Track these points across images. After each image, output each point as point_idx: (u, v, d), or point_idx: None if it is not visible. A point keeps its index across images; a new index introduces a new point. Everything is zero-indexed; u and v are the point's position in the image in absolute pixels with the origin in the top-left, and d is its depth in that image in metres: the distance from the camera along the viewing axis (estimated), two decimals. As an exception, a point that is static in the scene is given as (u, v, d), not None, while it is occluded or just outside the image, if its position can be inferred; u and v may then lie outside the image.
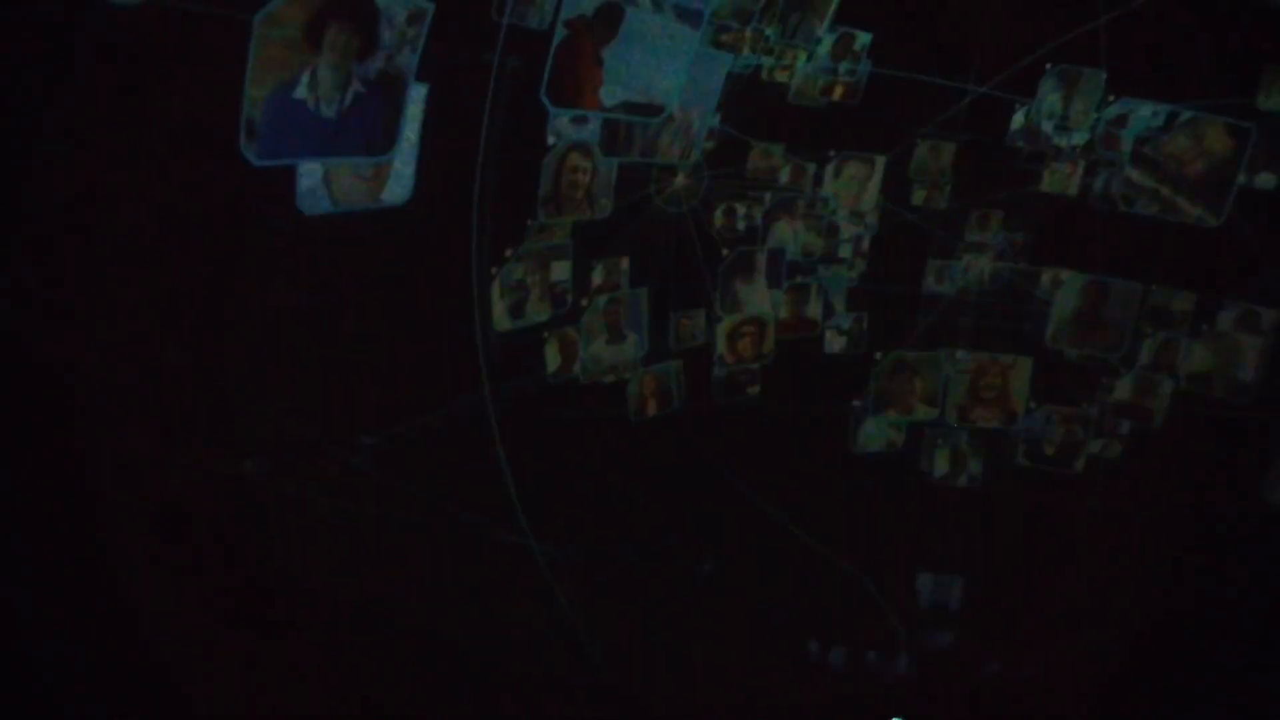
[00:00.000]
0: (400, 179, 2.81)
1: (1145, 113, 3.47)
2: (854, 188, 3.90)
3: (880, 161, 3.86)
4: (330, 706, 3.31)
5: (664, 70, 3.20)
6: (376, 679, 3.41)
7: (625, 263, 3.61)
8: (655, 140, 3.41)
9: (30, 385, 2.56)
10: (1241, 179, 3.44)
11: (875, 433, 4.15)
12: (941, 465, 4.17)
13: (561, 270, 3.42)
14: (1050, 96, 3.58)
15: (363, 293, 3.04)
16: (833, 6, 3.42)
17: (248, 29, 2.36)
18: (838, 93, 3.65)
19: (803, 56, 3.53)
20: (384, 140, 2.71)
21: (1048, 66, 3.54)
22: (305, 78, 2.47)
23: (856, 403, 4.11)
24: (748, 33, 3.36)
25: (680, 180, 3.61)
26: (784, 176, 3.81)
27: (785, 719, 4.09)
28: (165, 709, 2.94)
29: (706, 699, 4.00)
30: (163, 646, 2.93)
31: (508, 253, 3.23)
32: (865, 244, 4.00)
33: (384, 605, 3.33)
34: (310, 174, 2.64)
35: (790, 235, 3.94)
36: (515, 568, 3.55)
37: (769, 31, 3.40)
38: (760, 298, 3.97)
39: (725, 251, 3.86)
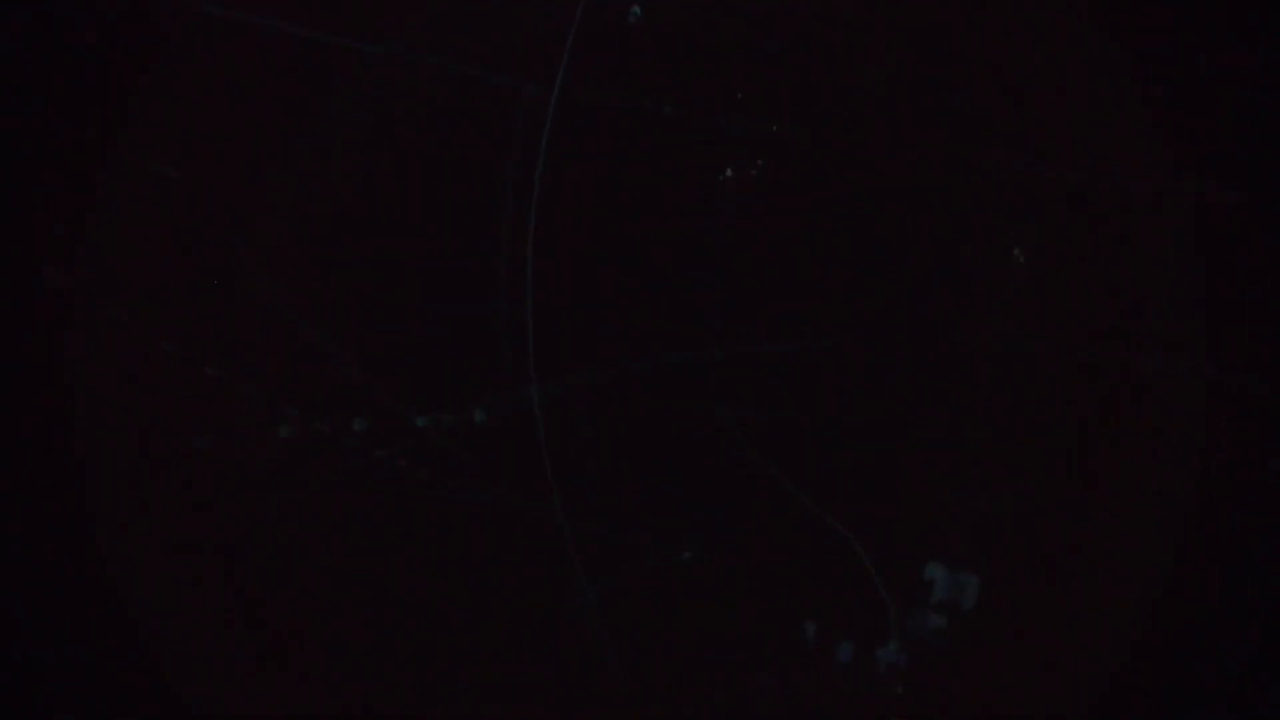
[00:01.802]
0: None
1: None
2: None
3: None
4: (333, 707, 3.32)
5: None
6: (382, 678, 3.42)
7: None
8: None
9: (31, 384, 2.51)
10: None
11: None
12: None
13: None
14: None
15: (399, 280, 3.05)
16: None
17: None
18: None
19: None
20: None
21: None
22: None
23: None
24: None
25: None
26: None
27: (781, 716, 4.12)
28: (165, 709, 2.89)
29: (709, 696, 4.00)
30: (163, 646, 2.73)
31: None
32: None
33: (393, 601, 3.34)
34: None
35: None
36: (542, 554, 3.56)
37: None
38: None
39: None
